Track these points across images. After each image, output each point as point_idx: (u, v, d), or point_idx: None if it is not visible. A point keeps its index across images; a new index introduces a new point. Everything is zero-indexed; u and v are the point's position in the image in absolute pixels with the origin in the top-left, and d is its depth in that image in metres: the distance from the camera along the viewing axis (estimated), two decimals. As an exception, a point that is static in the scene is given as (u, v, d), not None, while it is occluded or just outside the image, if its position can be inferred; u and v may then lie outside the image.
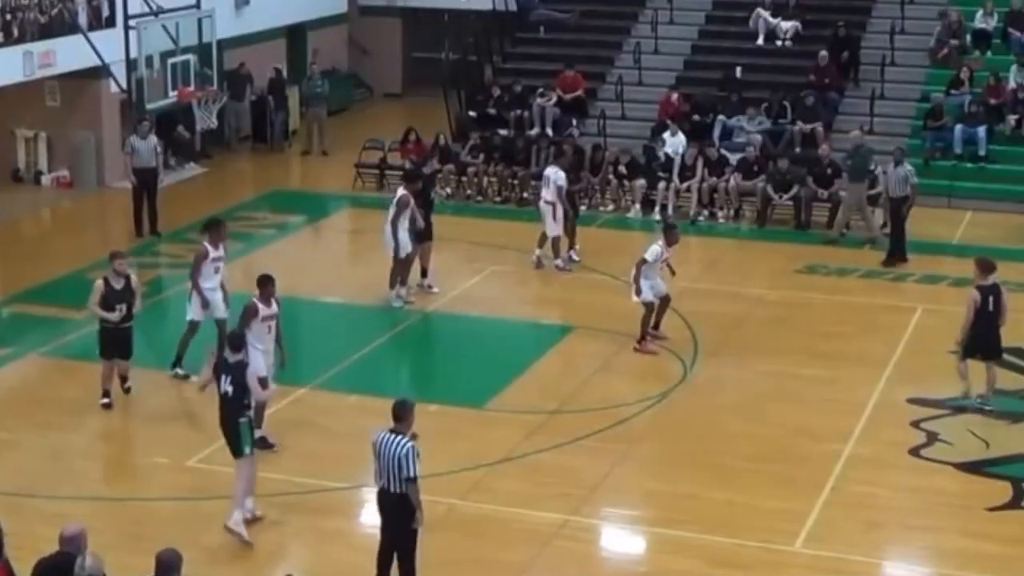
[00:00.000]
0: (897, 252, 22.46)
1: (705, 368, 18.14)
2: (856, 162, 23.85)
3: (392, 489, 11.97)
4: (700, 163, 25.03)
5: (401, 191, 20.35)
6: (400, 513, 12.06)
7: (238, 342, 13.84)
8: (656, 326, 18.89)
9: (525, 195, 26.10)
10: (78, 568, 10.06)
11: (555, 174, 21.76)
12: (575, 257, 22.16)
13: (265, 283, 15.70)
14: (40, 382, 17.92)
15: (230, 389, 13.53)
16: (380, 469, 12.00)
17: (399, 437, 11.93)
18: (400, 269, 20.15)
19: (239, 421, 13.52)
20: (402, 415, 12.06)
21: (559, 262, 21.80)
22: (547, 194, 21.71)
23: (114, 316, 16.40)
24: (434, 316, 20.21)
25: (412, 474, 11.87)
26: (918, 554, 13.72)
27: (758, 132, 26.30)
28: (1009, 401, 17.03)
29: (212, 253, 17.32)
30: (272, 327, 15.55)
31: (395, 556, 12.29)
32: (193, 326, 17.50)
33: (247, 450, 13.55)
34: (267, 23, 31.24)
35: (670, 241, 18.84)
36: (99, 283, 16.52)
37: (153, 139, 23.20)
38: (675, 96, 27.39)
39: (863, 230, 23.84)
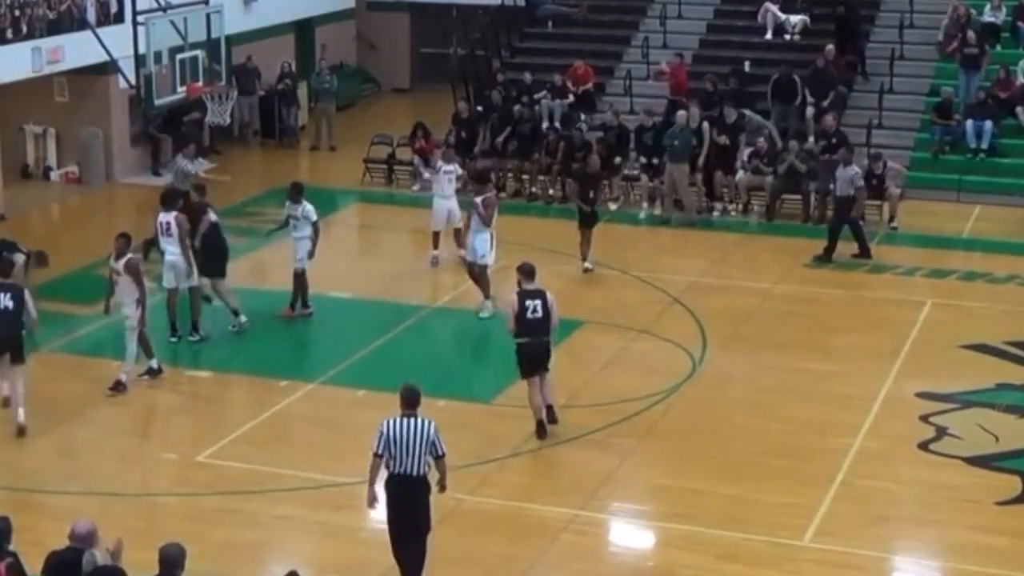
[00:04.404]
0: (862, 249, 22.33)
1: (713, 362, 18.12)
2: (681, 142, 24.15)
3: (415, 472, 11.97)
4: (707, 128, 24.81)
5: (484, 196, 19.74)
6: (422, 494, 12.13)
7: (6, 268, 16.06)
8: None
9: (534, 190, 26.09)
10: (86, 563, 10.09)
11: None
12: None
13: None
14: (49, 377, 17.92)
15: (10, 304, 15.47)
16: (402, 454, 11.93)
17: (423, 420, 12.06)
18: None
19: (21, 333, 15.75)
20: (417, 400, 12.20)
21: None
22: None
23: None
24: (442, 311, 20.20)
25: (444, 450, 12.09)
26: (927, 548, 13.71)
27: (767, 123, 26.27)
28: (1018, 395, 17.02)
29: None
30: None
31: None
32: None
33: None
34: (275, 18, 31.21)
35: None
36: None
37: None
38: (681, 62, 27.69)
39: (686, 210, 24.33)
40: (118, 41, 24.10)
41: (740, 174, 24.98)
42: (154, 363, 17.25)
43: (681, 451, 15.60)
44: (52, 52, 24.57)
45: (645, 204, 25.12)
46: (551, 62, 29.04)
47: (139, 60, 22.48)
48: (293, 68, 31.09)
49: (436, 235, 21.68)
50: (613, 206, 24.95)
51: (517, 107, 26.92)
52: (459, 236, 21.15)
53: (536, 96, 27.50)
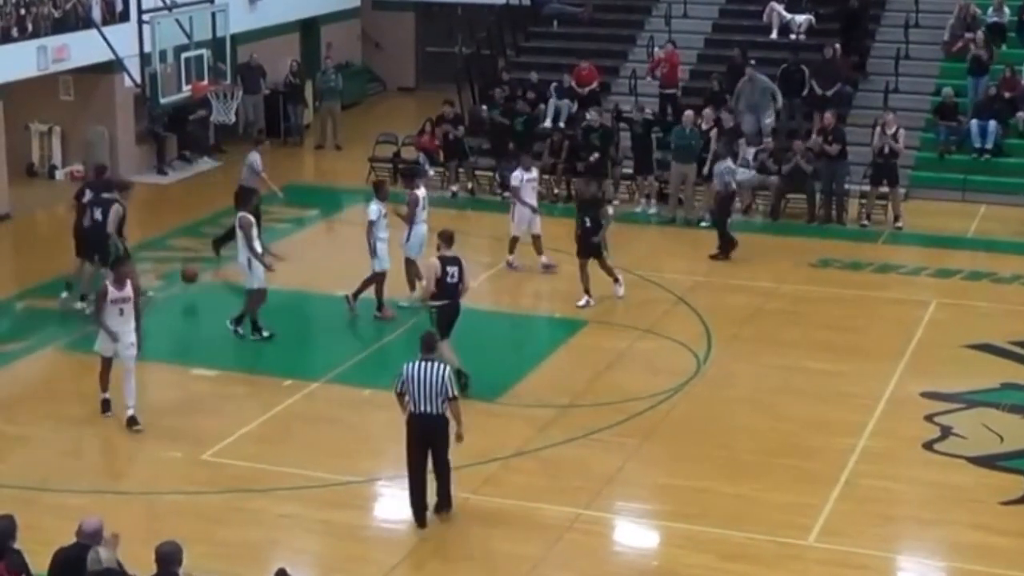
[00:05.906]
0: (721, 247, 22.38)
1: (718, 362, 18.12)
2: (693, 144, 24.11)
3: (432, 411, 13.25)
4: (714, 133, 24.82)
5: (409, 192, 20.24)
6: (441, 431, 13.34)
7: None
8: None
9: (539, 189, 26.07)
10: (91, 561, 10.11)
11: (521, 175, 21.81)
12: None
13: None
14: (54, 376, 17.99)
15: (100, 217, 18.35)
16: (420, 394, 13.21)
17: (437, 363, 13.34)
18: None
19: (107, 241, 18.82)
20: (434, 344, 13.71)
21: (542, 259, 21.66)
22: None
23: None
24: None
25: (455, 393, 13.34)
26: (931, 548, 13.71)
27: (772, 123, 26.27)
28: (1023, 395, 17.01)
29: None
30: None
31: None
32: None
33: None
34: (280, 17, 31.26)
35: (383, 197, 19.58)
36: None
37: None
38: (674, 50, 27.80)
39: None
40: (123, 40, 24.14)
41: (742, 173, 24.95)
42: (107, 395, 16.30)
43: (685, 450, 15.61)
44: (57, 51, 24.61)
45: (643, 202, 25.12)
46: (557, 61, 29.07)
47: (144, 59, 22.52)
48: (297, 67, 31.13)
49: (514, 240, 21.68)
50: (611, 209, 24.94)
51: (519, 105, 26.92)
52: (537, 242, 21.56)
53: (548, 97, 27.56)
